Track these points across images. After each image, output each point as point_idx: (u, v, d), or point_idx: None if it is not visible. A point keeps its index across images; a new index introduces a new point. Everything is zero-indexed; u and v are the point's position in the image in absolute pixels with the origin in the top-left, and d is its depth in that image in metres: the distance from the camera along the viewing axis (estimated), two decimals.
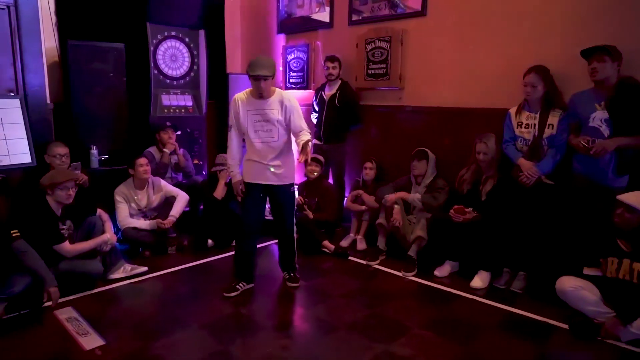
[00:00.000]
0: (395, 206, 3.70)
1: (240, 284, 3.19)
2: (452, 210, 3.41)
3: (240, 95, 3.07)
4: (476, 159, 3.46)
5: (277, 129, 3.04)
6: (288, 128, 3.07)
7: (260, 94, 2.96)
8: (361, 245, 4.12)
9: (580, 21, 3.25)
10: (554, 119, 3.13)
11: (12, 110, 3.72)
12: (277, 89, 3.10)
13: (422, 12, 4.10)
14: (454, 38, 3.92)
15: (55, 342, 2.52)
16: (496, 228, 3.25)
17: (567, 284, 2.78)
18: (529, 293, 3.16)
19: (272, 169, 3.07)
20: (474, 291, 3.21)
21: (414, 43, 4.20)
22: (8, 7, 3.89)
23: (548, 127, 3.14)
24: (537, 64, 3.21)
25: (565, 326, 2.71)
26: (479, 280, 3.29)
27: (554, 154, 3.12)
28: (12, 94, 3.95)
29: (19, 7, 3.91)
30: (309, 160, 3.08)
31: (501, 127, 3.51)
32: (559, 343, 2.62)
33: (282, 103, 3.01)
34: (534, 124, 3.19)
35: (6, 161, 3.60)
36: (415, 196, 3.71)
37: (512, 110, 3.34)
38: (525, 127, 3.25)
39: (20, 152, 3.67)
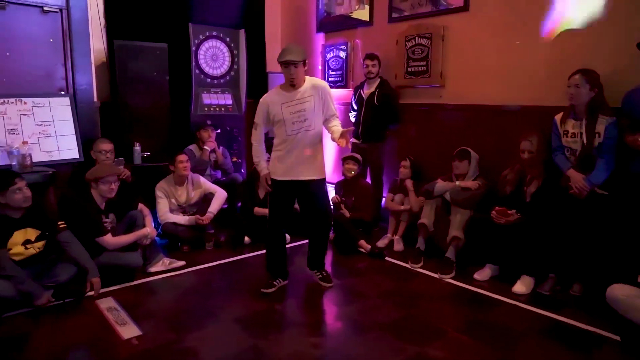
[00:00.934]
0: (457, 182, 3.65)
1: (277, 281, 3.19)
2: (493, 212, 3.28)
3: (268, 96, 3.04)
4: (520, 158, 3.32)
5: (313, 117, 2.98)
6: (322, 114, 3.03)
7: (292, 82, 2.91)
8: (398, 246, 4.04)
9: (637, 11, 3.05)
10: (600, 126, 2.92)
11: (62, 108, 3.92)
12: (308, 77, 3.04)
13: (464, 7, 3.98)
14: (498, 33, 3.78)
15: (96, 330, 2.60)
16: (541, 231, 3.09)
17: (620, 292, 2.57)
18: (577, 301, 2.99)
19: (308, 162, 3.01)
20: (515, 296, 3.06)
21: (455, 39, 4.09)
22: (60, 10, 4.09)
23: (596, 136, 2.94)
24: (589, 57, 3.04)
25: (617, 338, 2.53)
26: (522, 286, 3.14)
27: (605, 165, 2.92)
28: (62, 93, 4.14)
29: (70, 10, 4.10)
30: (350, 145, 2.99)
31: (549, 125, 3.35)
32: (609, 355, 2.45)
33: (316, 88, 2.98)
34: (580, 133, 3.00)
35: (56, 156, 3.79)
36: (447, 187, 3.66)
37: (557, 118, 3.16)
38: (571, 137, 3.06)
39: (68, 148, 3.86)
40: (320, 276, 3.29)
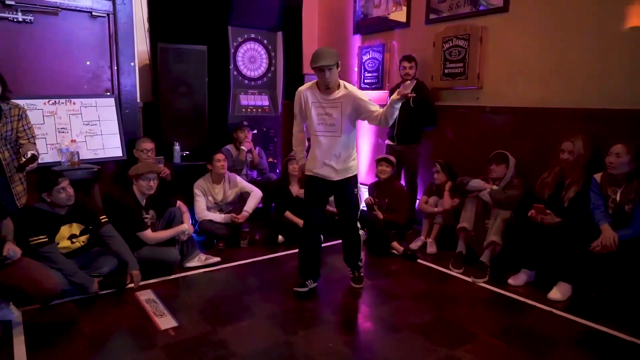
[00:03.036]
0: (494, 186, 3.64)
1: (308, 281, 3.19)
2: (532, 210, 3.21)
3: (304, 88, 3.00)
4: (560, 160, 3.24)
5: (341, 124, 2.93)
6: (354, 120, 2.97)
7: (326, 86, 2.87)
8: (431, 248, 4.01)
9: None
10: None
11: (107, 109, 4.10)
12: (343, 82, 2.97)
13: (504, 8, 3.91)
14: (539, 34, 3.69)
15: (135, 320, 2.72)
16: (579, 237, 3.00)
17: None
18: (615, 310, 2.87)
19: (333, 165, 2.99)
20: (551, 303, 2.99)
21: (494, 40, 4.02)
22: (108, 15, 4.30)
23: (628, 204, 2.88)
24: (635, 59, 2.91)
25: None
26: (558, 292, 3.06)
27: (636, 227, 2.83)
28: (108, 94, 4.34)
29: (117, 15, 4.30)
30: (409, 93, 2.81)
31: (590, 128, 3.27)
32: None
33: (347, 95, 2.90)
34: (615, 199, 2.94)
35: (101, 154, 3.97)
36: (485, 186, 3.62)
37: (597, 177, 3.05)
38: (611, 202, 2.97)
39: (113, 147, 4.04)
40: (352, 276, 3.30)
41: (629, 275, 2.81)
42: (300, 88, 3.03)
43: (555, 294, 3.06)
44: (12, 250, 2.54)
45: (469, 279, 3.39)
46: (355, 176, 3.15)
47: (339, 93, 2.92)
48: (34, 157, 2.91)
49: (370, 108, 2.90)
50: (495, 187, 3.61)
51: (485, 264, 3.47)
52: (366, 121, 3.03)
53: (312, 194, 3.14)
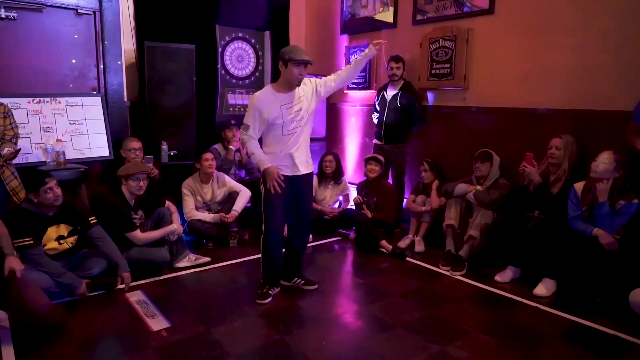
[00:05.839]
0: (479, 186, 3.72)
1: (272, 289, 3.07)
2: (523, 163, 3.36)
3: (263, 97, 2.82)
4: (548, 155, 3.32)
5: (308, 114, 2.93)
6: (317, 104, 3.00)
7: (299, 82, 2.80)
8: (419, 246, 4.06)
9: None
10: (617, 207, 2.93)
11: (94, 107, 4.05)
12: None
13: (489, 10, 3.98)
14: (524, 36, 3.77)
15: (127, 322, 2.70)
16: (561, 234, 3.08)
17: None
18: (600, 305, 2.96)
19: (303, 152, 2.95)
20: (537, 299, 3.07)
21: (480, 42, 4.09)
22: (94, 12, 4.24)
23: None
24: (618, 61, 3.01)
25: None
26: (543, 288, 3.13)
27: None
28: (94, 92, 4.28)
29: (103, 12, 4.24)
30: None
31: (574, 129, 3.36)
32: None
33: (309, 84, 2.92)
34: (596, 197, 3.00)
35: (88, 154, 3.92)
36: (469, 189, 3.70)
37: (578, 188, 3.10)
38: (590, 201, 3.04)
39: (99, 146, 3.99)
40: (303, 281, 3.19)
41: (611, 271, 2.91)
42: (257, 99, 2.81)
43: (541, 289, 3.14)
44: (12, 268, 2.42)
45: (447, 272, 3.49)
46: (312, 174, 3.10)
47: (301, 88, 2.88)
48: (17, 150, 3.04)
49: (326, 81, 2.99)
50: (479, 187, 3.69)
51: (463, 258, 3.58)
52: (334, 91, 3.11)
53: (278, 195, 2.86)
